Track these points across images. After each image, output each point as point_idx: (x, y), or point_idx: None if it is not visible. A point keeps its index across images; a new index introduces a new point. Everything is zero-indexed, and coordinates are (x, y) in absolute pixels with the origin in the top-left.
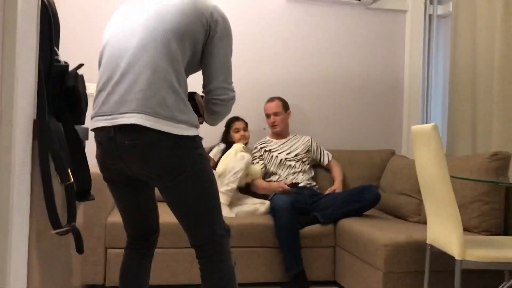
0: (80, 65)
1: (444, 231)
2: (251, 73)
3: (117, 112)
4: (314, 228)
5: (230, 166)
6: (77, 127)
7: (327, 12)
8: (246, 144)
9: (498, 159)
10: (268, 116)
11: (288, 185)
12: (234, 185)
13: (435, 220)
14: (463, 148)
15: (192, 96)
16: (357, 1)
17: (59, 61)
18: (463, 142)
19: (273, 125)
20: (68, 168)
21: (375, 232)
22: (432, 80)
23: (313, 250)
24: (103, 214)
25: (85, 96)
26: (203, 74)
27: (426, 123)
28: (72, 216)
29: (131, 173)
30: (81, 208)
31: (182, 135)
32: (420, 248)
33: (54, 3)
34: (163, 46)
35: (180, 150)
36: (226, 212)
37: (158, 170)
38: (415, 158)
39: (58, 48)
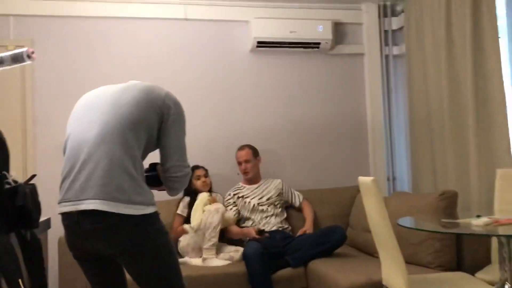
0: (32, 176)
1: (393, 273)
2: (221, 122)
3: (79, 198)
4: (286, 272)
5: (208, 221)
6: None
7: (289, 60)
8: (209, 190)
9: (445, 198)
10: (239, 163)
11: (256, 233)
12: (216, 239)
13: (385, 263)
14: (426, 183)
15: (154, 167)
16: (317, 48)
17: (10, 183)
18: (425, 177)
19: (244, 172)
20: (18, 279)
21: (338, 274)
22: (393, 116)
23: None
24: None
25: (37, 205)
26: (160, 154)
27: (391, 158)
28: None
29: (97, 251)
30: None
31: (139, 214)
32: None
33: (1, 132)
34: (119, 137)
35: (138, 229)
36: (217, 263)
37: (120, 248)
38: (364, 206)
39: (8, 171)
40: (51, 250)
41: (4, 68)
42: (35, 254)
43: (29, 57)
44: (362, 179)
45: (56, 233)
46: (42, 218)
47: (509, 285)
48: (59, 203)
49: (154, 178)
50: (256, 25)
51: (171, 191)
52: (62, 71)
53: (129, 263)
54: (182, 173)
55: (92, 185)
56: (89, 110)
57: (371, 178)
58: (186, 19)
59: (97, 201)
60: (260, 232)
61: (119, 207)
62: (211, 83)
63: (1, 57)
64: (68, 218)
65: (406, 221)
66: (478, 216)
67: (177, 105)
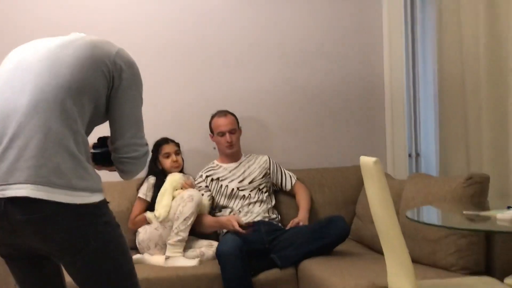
0: None
1: (398, 278)
2: (194, 83)
3: (6, 183)
4: (272, 273)
5: (177, 210)
6: None
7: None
8: (181, 171)
9: (473, 183)
10: (221, 134)
11: (241, 226)
12: (185, 234)
13: (391, 265)
14: (457, 162)
15: (103, 141)
16: None
17: None
18: (456, 156)
19: (229, 146)
20: None
21: (334, 278)
22: (418, 76)
23: None
24: (11, 279)
25: None
26: (110, 128)
27: (415, 131)
28: None
29: (28, 248)
30: None
31: (83, 204)
32: None
33: None
34: (57, 105)
35: (81, 221)
36: (185, 262)
37: (58, 245)
38: (367, 195)
39: None
40: None
41: None
42: None
43: None
44: (364, 160)
45: None
46: None
47: None
48: None
49: (104, 155)
50: None
51: (124, 174)
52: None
53: (70, 263)
54: (138, 153)
55: (22, 167)
56: (19, 71)
57: (373, 159)
58: None
59: (29, 185)
60: (248, 226)
61: (57, 193)
62: (184, 28)
63: None
64: None
65: (417, 213)
66: (510, 208)
67: (131, 66)
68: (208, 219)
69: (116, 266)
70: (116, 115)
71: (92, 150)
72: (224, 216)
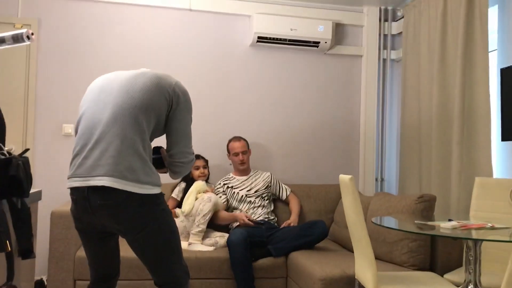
0: (25, 150)
1: (363, 268)
2: (216, 113)
3: (90, 175)
4: (268, 260)
5: (199, 208)
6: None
7: (288, 57)
8: (206, 180)
9: (424, 201)
10: (236, 154)
11: (250, 220)
12: (204, 226)
13: (358, 258)
14: (411, 186)
15: (157, 150)
16: (316, 47)
17: (4, 154)
18: (411, 180)
19: (242, 163)
20: (5, 239)
21: (315, 266)
22: (386, 119)
23: (266, 281)
24: (72, 249)
25: (28, 176)
26: (167, 139)
27: (381, 160)
28: (10, 276)
29: (102, 226)
30: (22, 265)
31: (146, 194)
32: (350, 282)
33: None
34: (131, 119)
35: (145, 207)
36: (203, 248)
37: (126, 225)
38: (343, 203)
39: (4, 143)
40: (42, 223)
41: (5, 47)
42: (24, 221)
43: (28, 38)
44: (342, 177)
45: (48, 206)
46: (33, 190)
47: (472, 286)
48: (69, 177)
49: (158, 160)
50: (257, 20)
51: (175, 174)
52: (66, 53)
53: (133, 239)
54: (187, 159)
55: (103, 163)
56: (103, 93)
57: (349, 176)
58: (190, 10)
59: (108, 178)
60: (256, 223)
61: (128, 185)
62: (210, 73)
63: (3, 36)
64: (77, 192)
65: (383, 220)
66: (450, 220)
67: (185, 94)
68: (225, 214)
69: (166, 242)
70: (173, 129)
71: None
72: (238, 213)
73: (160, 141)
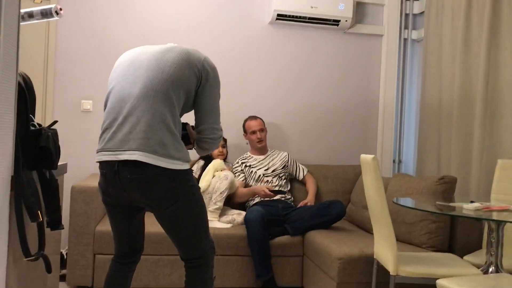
0: (54, 122)
1: (383, 249)
2: (234, 92)
3: (121, 149)
4: (284, 238)
5: (216, 186)
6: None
7: (307, 36)
8: (224, 159)
9: (444, 182)
10: (253, 132)
11: (270, 190)
12: (221, 204)
13: (378, 238)
14: (430, 168)
15: (184, 126)
16: (336, 26)
17: (34, 126)
18: (430, 162)
19: (260, 141)
20: (37, 210)
21: (332, 245)
22: (406, 101)
23: (283, 259)
24: (92, 224)
25: (57, 148)
26: (196, 115)
27: (399, 141)
28: (41, 245)
29: (131, 200)
30: (53, 234)
31: (177, 169)
32: (369, 262)
33: (29, 78)
34: (162, 93)
35: (175, 183)
36: (220, 225)
37: (156, 200)
38: (364, 183)
39: (34, 115)
40: (63, 197)
41: (33, 21)
42: (52, 192)
43: (57, 13)
44: (364, 157)
45: (68, 182)
46: (60, 163)
47: (493, 268)
48: (98, 151)
49: (184, 137)
50: None
51: (203, 150)
52: (85, 30)
53: (162, 214)
54: (216, 135)
55: (134, 137)
56: (132, 67)
57: (372, 156)
58: None
59: (139, 152)
60: (274, 191)
61: (160, 160)
62: (229, 52)
63: (32, 11)
64: (107, 167)
65: (401, 201)
66: (472, 202)
67: (214, 70)
68: (244, 190)
69: (195, 216)
70: (202, 105)
71: None
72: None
73: (187, 117)
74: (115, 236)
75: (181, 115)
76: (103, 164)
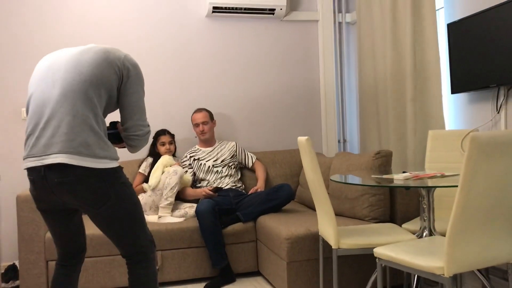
0: None
1: (325, 225)
2: (177, 87)
3: (45, 154)
4: (237, 226)
5: (166, 182)
6: None
7: (245, 26)
8: (173, 155)
9: (380, 156)
10: (197, 125)
11: (211, 190)
12: (172, 199)
13: (319, 216)
14: (372, 144)
15: (114, 125)
16: (272, 15)
17: None
18: (371, 139)
19: (202, 133)
20: None
21: (281, 227)
22: (345, 82)
23: (237, 246)
24: (41, 231)
25: None
26: (121, 114)
27: (342, 122)
28: None
29: (63, 203)
30: None
31: (104, 168)
32: (315, 239)
33: None
34: (82, 94)
35: (104, 182)
36: (173, 220)
37: (87, 201)
38: (302, 164)
39: None
40: (7, 208)
41: None
42: None
43: None
44: (299, 139)
45: (13, 191)
46: None
47: (427, 232)
48: (25, 158)
49: (115, 135)
50: None
51: (132, 148)
52: (17, 35)
53: (95, 214)
54: (142, 131)
55: (57, 141)
56: (51, 70)
57: (305, 137)
58: None
59: (63, 155)
60: (216, 189)
61: (85, 160)
62: (168, 48)
63: None
64: (34, 172)
65: (337, 177)
66: (404, 172)
67: (135, 67)
68: (189, 191)
69: (129, 214)
70: (125, 103)
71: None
72: (202, 187)
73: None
74: (56, 241)
75: (105, 115)
76: (30, 171)
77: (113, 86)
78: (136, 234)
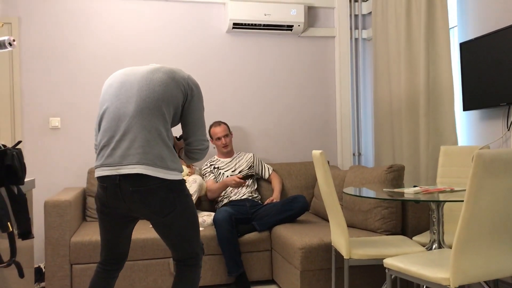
0: (18, 142)
1: (337, 236)
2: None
3: (121, 164)
4: (253, 235)
5: None
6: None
7: (264, 42)
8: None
9: (393, 170)
10: (218, 139)
11: (240, 178)
12: None
13: (332, 227)
14: (386, 158)
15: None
16: (290, 31)
17: (0, 147)
18: (386, 153)
19: (225, 146)
20: (6, 221)
21: (295, 237)
22: (361, 97)
23: (253, 254)
24: (67, 236)
25: (22, 165)
26: (184, 129)
27: (358, 136)
28: (13, 253)
29: (128, 210)
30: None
31: (174, 179)
32: (328, 249)
33: None
34: (156, 110)
35: (172, 193)
36: None
37: (154, 209)
38: (317, 177)
39: None
40: (35, 212)
41: None
42: (21, 206)
43: (10, 44)
44: (314, 152)
45: (42, 195)
46: (27, 179)
47: (436, 245)
48: (98, 167)
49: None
50: (232, 7)
51: (192, 160)
52: (48, 48)
53: (160, 222)
54: (203, 146)
55: (133, 153)
56: (124, 88)
57: (320, 151)
58: (166, 0)
59: (140, 166)
60: (244, 177)
61: (159, 172)
62: (189, 61)
63: None
64: (108, 180)
65: (351, 190)
66: (415, 186)
67: (197, 87)
68: (216, 184)
69: (189, 222)
70: (189, 120)
71: None
72: (228, 178)
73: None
74: (106, 243)
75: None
76: (104, 178)
77: (179, 104)
78: (192, 241)
